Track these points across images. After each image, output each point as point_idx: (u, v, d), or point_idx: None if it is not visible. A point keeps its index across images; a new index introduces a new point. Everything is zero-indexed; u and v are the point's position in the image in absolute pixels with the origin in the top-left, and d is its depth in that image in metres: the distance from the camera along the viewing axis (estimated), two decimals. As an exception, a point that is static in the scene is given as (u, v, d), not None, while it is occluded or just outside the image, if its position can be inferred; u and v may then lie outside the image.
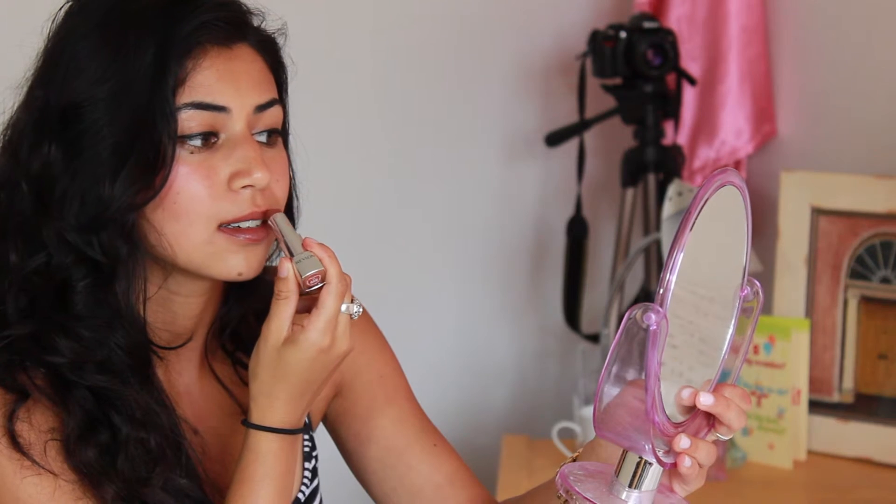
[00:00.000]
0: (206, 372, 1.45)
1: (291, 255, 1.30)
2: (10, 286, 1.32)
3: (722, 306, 1.25)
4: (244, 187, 1.31)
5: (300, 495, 1.45)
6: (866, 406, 2.35)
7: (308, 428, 1.49)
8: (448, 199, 2.95)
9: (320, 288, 1.31)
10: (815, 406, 2.38)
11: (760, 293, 1.26)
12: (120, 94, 1.29)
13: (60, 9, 1.35)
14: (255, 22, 1.37)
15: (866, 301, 2.36)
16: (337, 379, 1.51)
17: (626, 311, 1.17)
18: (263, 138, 1.35)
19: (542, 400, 2.99)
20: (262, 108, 1.33)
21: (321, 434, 1.54)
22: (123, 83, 1.29)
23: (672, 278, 1.16)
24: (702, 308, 1.22)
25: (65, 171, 1.30)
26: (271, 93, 1.35)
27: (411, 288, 2.96)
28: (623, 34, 2.61)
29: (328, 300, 1.30)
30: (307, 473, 1.47)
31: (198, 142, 1.30)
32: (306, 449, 1.48)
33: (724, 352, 1.25)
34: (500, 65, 2.92)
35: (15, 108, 1.36)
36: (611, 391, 1.19)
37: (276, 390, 1.31)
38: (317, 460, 1.50)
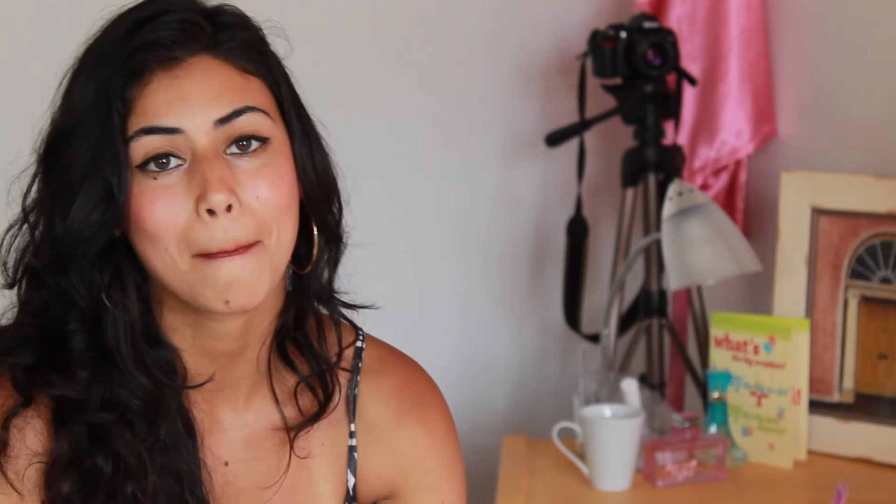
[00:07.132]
0: (259, 389, 1.38)
1: None
2: (19, 320, 1.30)
3: None
4: (209, 212, 1.23)
5: None
6: (866, 406, 2.35)
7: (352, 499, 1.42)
8: (448, 199, 2.94)
9: None
10: (816, 406, 2.37)
11: None
12: (78, 129, 1.26)
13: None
14: (224, 27, 1.30)
15: (866, 301, 2.36)
16: (397, 482, 1.42)
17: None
18: (235, 150, 1.26)
19: (542, 400, 2.99)
20: (224, 120, 1.26)
21: None
22: (80, 118, 1.26)
23: None
24: None
25: (39, 210, 1.28)
26: (241, 100, 1.27)
27: (411, 288, 2.95)
28: (623, 34, 2.60)
29: None
30: None
31: (155, 167, 1.25)
32: None
33: None
34: (501, 65, 2.92)
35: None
36: None
37: None
38: None
